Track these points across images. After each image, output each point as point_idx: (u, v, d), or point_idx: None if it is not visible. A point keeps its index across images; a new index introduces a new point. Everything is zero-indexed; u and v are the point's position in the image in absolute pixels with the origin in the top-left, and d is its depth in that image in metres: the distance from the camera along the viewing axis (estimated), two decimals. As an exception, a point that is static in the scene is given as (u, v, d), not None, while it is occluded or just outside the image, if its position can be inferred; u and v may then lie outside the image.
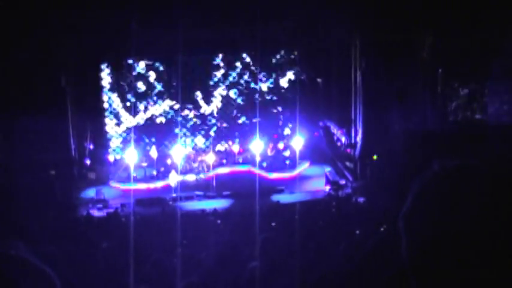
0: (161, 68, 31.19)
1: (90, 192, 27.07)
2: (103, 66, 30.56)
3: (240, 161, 30.51)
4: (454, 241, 1.56)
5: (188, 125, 32.21)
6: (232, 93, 32.30)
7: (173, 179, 27.65)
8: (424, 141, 24.70)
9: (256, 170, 29.68)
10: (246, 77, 32.09)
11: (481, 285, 1.53)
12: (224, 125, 32.58)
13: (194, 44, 29.70)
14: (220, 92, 32.10)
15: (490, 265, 1.52)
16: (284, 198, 25.64)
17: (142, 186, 28.29)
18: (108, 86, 30.86)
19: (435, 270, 1.59)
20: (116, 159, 30.01)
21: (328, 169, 28.91)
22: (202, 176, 29.33)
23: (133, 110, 31.58)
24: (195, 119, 32.20)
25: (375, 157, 25.99)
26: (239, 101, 32.40)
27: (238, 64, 31.84)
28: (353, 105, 27.36)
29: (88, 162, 29.12)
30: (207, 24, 27.66)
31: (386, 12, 24.35)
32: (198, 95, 31.90)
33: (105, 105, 31.24)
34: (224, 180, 28.66)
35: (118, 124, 31.67)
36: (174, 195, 26.69)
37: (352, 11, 25.88)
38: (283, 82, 32.29)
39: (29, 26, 23.70)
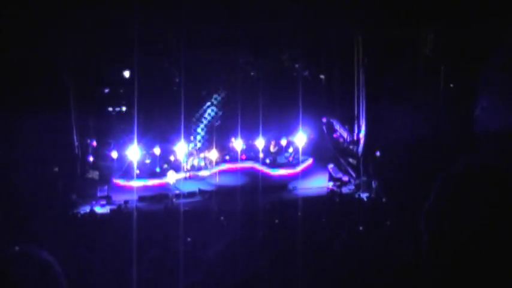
0: (165, 65, 31.23)
1: (93, 189, 27.06)
2: (107, 63, 30.56)
3: (244, 157, 30.49)
4: (475, 238, 1.55)
5: (191, 122, 32.23)
6: (236, 90, 32.33)
7: (171, 178, 27.66)
8: (427, 138, 24.68)
9: (259, 167, 29.69)
10: (249, 73, 32.11)
11: (501, 281, 1.53)
12: (227, 121, 32.63)
13: (196, 41, 29.73)
14: (223, 88, 32.16)
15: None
16: (287, 194, 25.64)
17: (145, 183, 28.29)
18: (111, 83, 30.91)
19: (455, 266, 1.59)
20: (119, 156, 30.02)
21: (331, 166, 28.87)
22: (204, 172, 29.35)
23: (136, 107, 31.58)
24: (198, 116, 32.24)
25: (377, 154, 25.96)
26: (242, 97, 32.40)
27: (241, 60, 31.88)
28: (356, 101, 27.32)
29: (91, 159, 29.12)
30: (209, 21, 27.62)
31: (389, 9, 24.30)
32: (201, 91, 31.99)
33: (109, 102, 31.28)
34: (227, 176, 28.67)
35: (122, 121, 31.69)
36: (176, 191, 26.65)
37: (355, 7, 25.84)
38: (287, 78, 32.25)
39: (32, 23, 23.71)
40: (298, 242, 10.72)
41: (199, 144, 31.72)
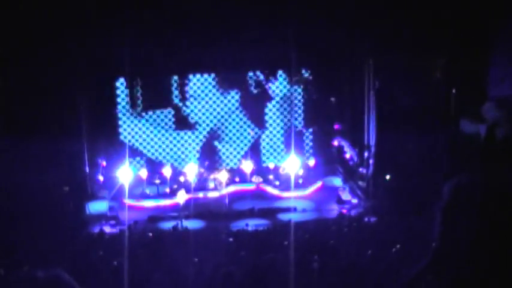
0: (175, 85, 31.56)
1: (103, 209, 27.10)
2: (118, 83, 30.83)
3: (253, 179, 30.50)
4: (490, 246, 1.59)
5: (201, 143, 32.48)
6: (245, 112, 32.55)
7: (181, 198, 27.65)
8: (437, 162, 24.63)
9: (269, 189, 29.67)
10: (258, 94, 32.32)
11: None
12: (237, 143, 32.83)
13: (206, 62, 29.99)
14: (233, 109, 32.38)
15: None
16: (296, 217, 25.58)
17: (155, 203, 28.31)
18: (122, 103, 31.19)
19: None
20: (129, 176, 30.10)
21: (340, 188, 28.85)
22: (213, 194, 29.32)
23: (147, 127, 31.82)
24: (208, 136, 32.47)
25: (387, 177, 25.91)
26: (252, 119, 32.65)
27: (251, 82, 32.11)
28: (366, 124, 27.35)
29: (101, 178, 29.21)
30: (218, 42, 27.75)
31: (400, 32, 24.41)
32: (212, 112, 32.25)
33: (119, 122, 31.51)
34: (237, 198, 28.69)
35: (132, 141, 31.90)
36: (186, 212, 26.58)
37: (366, 31, 25.97)
38: (296, 100, 32.49)
39: (42, 44, 23.92)
40: (307, 263, 10.71)
41: (209, 165, 31.80)
